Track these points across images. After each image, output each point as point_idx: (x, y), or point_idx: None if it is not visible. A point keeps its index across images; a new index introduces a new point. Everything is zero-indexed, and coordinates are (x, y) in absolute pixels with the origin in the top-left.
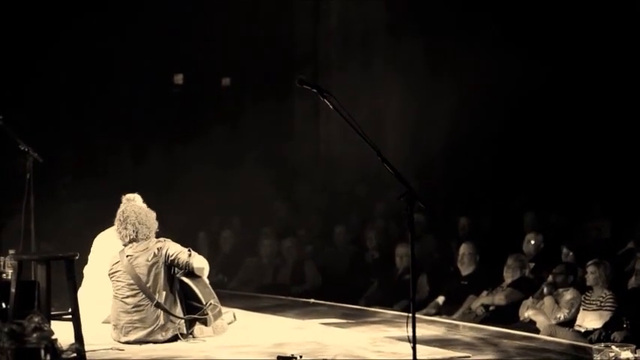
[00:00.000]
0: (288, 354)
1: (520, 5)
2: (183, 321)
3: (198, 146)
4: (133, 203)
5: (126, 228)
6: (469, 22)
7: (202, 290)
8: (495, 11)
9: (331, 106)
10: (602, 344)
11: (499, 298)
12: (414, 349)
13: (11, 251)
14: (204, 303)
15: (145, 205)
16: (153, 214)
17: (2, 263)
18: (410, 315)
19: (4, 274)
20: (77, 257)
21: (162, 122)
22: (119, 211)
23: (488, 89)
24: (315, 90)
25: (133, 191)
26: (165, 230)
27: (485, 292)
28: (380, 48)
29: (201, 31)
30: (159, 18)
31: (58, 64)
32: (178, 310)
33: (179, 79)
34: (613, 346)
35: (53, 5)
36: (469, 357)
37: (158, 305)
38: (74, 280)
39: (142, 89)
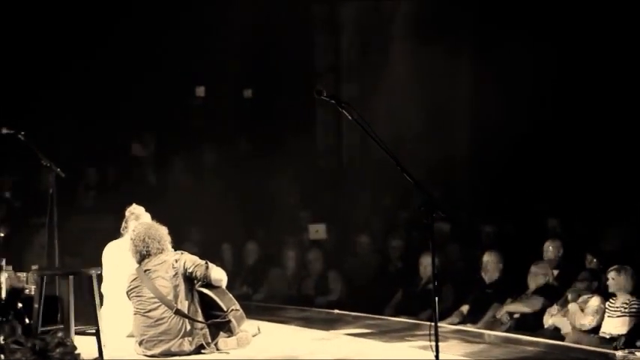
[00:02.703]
0: None
1: (551, 6)
2: (207, 331)
3: (221, 158)
4: (142, 220)
5: (136, 245)
6: (489, 29)
7: (222, 298)
8: (524, 16)
9: (350, 117)
10: (627, 350)
11: (523, 306)
12: (437, 358)
13: (34, 267)
14: (226, 310)
15: (149, 219)
16: (164, 229)
17: (25, 279)
18: (434, 324)
19: (28, 290)
20: (100, 272)
21: (184, 135)
22: (131, 230)
23: (510, 96)
24: (333, 101)
25: (156, 205)
26: (189, 242)
27: (509, 300)
28: (399, 56)
29: (222, 43)
30: (180, 31)
31: (80, 78)
32: (200, 319)
33: (201, 91)
34: (637, 353)
35: (75, 20)
36: None
37: (178, 312)
38: (97, 294)
39: (163, 102)
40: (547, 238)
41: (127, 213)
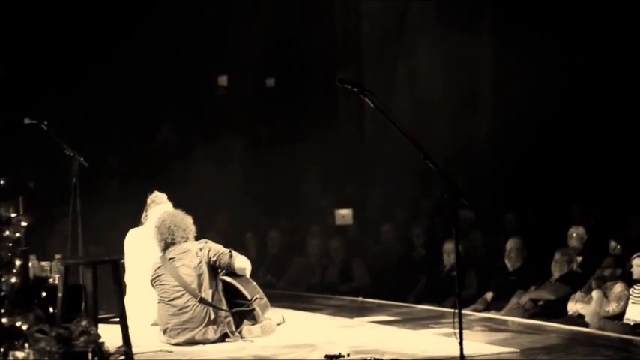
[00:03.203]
0: (336, 352)
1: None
2: (231, 320)
3: (243, 147)
4: (163, 208)
5: (162, 233)
6: (512, 10)
7: (246, 286)
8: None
9: (372, 105)
10: None
11: (547, 293)
12: (461, 344)
13: (58, 256)
14: (250, 298)
15: (170, 207)
16: (189, 218)
17: (49, 268)
18: (457, 311)
19: (51, 279)
20: (123, 260)
21: (207, 123)
22: (153, 218)
23: (532, 84)
24: (355, 89)
25: (180, 194)
26: (212, 231)
27: (533, 287)
28: (421, 43)
29: (244, 32)
30: (203, 19)
31: (103, 67)
32: (224, 308)
33: (223, 80)
34: None
35: (99, 9)
36: (517, 352)
37: (202, 300)
38: (121, 283)
39: (187, 91)
40: (571, 225)
41: (148, 201)
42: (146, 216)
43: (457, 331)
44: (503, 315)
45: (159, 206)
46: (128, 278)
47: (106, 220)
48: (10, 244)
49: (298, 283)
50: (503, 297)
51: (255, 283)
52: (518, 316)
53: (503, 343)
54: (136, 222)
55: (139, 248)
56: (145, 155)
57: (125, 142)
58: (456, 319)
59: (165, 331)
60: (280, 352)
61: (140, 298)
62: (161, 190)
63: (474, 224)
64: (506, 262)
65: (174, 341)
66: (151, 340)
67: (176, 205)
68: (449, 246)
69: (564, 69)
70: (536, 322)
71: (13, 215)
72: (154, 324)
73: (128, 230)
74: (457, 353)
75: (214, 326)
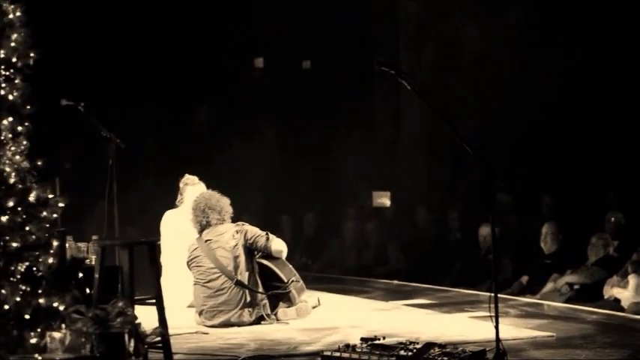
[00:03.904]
0: (372, 335)
1: None
2: (267, 302)
3: (280, 129)
4: (196, 189)
5: (197, 215)
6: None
7: (282, 269)
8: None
9: (409, 87)
10: None
11: (583, 277)
12: (497, 328)
13: (94, 237)
14: (286, 281)
15: (203, 188)
16: (225, 200)
17: (86, 249)
18: (493, 295)
19: (88, 260)
20: (159, 242)
21: (243, 106)
22: (189, 200)
23: (569, 66)
24: (392, 71)
25: (216, 176)
26: (248, 213)
27: (569, 271)
28: (457, 24)
29: (280, 14)
30: (239, 1)
31: (140, 49)
32: (260, 290)
33: (259, 62)
34: None
35: None
36: (553, 336)
37: (238, 283)
38: (157, 264)
39: (223, 73)
40: (608, 210)
41: (180, 184)
42: (181, 199)
43: (493, 314)
44: (539, 299)
45: (193, 188)
46: (164, 260)
47: (142, 201)
48: (48, 225)
49: (333, 266)
50: (538, 281)
51: (291, 266)
52: (553, 301)
53: (538, 328)
54: (172, 204)
55: (175, 230)
56: (182, 137)
57: (161, 124)
58: (492, 303)
59: (200, 313)
60: (315, 334)
61: (176, 280)
62: (197, 173)
63: (510, 208)
64: (542, 246)
65: (209, 323)
66: (186, 322)
67: (211, 187)
68: (485, 230)
69: (600, 50)
70: (572, 307)
71: (50, 196)
72: (190, 306)
73: (163, 212)
74: (493, 337)
75: (250, 309)
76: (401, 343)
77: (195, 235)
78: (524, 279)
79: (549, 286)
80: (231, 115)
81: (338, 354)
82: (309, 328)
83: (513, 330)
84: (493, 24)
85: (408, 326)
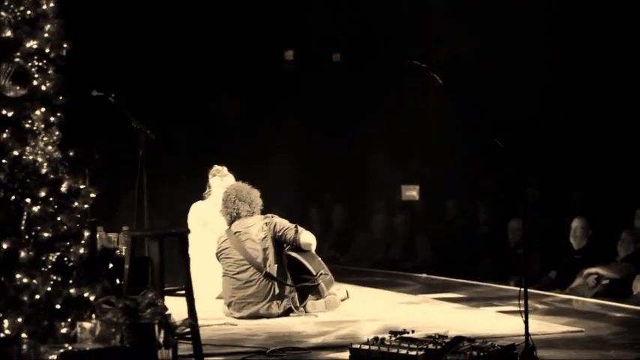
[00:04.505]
0: (400, 328)
1: None
2: (295, 295)
3: (309, 122)
4: (226, 180)
5: (227, 207)
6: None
7: (311, 262)
8: None
9: (440, 81)
10: None
11: (612, 272)
12: (526, 323)
13: (125, 228)
14: (315, 274)
15: (232, 179)
16: (255, 192)
17: (116, 240)
18: (522, 289)
19: (119, 251)
20: (190, 233)
21: (272, 98)
22: (217, 191)
23: (601, 61)
24: (424, 65)
25: (244, 168)
26: (277, 206)
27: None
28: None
29: (311, 6)
30: None
31: (170, 40)
32: (289, 283)
33: (290, 55)
34: None
35: None
36: (582, 331)
37: (268, 275)
38: (187, 255)
39: (253, 65)
40: (638, 205)
41: (209, 175)
42: (209, 191)
43: (522, 309)
44: (568, 294)
45: (221, 179)
46: (191, 251)
47: (171, 192)
48: (79, 216)
49: (362, 259)
50: (567, 276)
51: (320, 259)
52: (582, 296)
53: (567, 323)
54: (200, 195)
55: (203, 222)
56: (211, 129)
57: (191, 116)
58: (522, 298)
59: (229, 305)
60: (343, 327)
61: (203, 272)
62: (226, 165)
63: (539, 202)
64: (572, 241)
65: (238, 315)
66: (215, 313)
67: (240, 179)
68: (514, 224)
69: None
70: (601, 302)
71: (81, 187)
72: (218, 297)
73: (191, 203)
74: (522, 331)
75: (279, 301)
76: (430, 337)
77: (222, 227)
78: (553, 274)
79: (578, 281)
80: (261, 108)
81: (367, 347)
82: (337, 321)
83: (542, 325)
84: (520, 16)
85: (436, 320)
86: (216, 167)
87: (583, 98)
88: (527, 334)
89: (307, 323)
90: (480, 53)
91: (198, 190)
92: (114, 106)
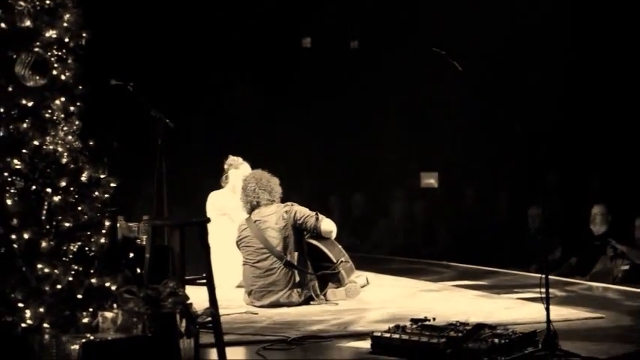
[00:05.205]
0: (421, 316)
1: None
2: (316, 283)
3: (327, 109)
4: (242, 170)
5: (247, 195)
6: None
7: (331, 249)
8: None
9: (459, 68)
10: None
11: (634, 255)
12: (547, 310)
13: (145, 217)
14: (335, 261)
15: (248, 168)
16: (275, 180)
17: (137, 229)
18: (543, 276)
19: (139, 240)
20: (210, 222)
21: (290, 86)
22: (235, 180)
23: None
24: (444, 52)
25: (263, 156)
26: (296, 193)
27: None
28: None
29: None
30: None
31: (187, 29)
32: (309, 271)
33: (307, 42)
34: None
35: None
36: (603, 317)
37: (288, 264)
38: (207, 244)
39: (270, 53)
40: None
41: (225, 166)
42: (226, 178)
43: (543, 296)
44: (588, 280)
45: (237, 169)
46: (211, 240)
47: (190, 181)
48: (99, 205)
49: (381, 246)
50: (587, 262)
51: (340, 247)
52: (603, 282)
53: (588, 309)
54: (217, 184)
55: (220, 210)
56: (229, 117)
57: (209, 104)
58: (543, 284)
59: (250, 294)
60: (364, 315)
61: (222, 260)
62: (244, 153)
63: (559, 189)
64: (592, 227)
65: (258, 303)
66: (236, 302)
67: (258, 167)
68: (534, 211)
69: None
70: (621, 288)
71: (101, 176)
72: (238, 286)
73: (209, 192)
74: (543, 318)
75: (299, 289)
76: (451, 324)
77: (239, 216)
78: (574, 260)
79: (598, 267)
80: (278, 95)
81: (388, 335)
82: (358, 309)
83: (563, 311)
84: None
85: (457, 307)
86: (231, 158)
87: (602, 84)
88: (548, 320)
89: (328, 311)
90: (499, 38)
91: (216, 179)
92: (132, 94)
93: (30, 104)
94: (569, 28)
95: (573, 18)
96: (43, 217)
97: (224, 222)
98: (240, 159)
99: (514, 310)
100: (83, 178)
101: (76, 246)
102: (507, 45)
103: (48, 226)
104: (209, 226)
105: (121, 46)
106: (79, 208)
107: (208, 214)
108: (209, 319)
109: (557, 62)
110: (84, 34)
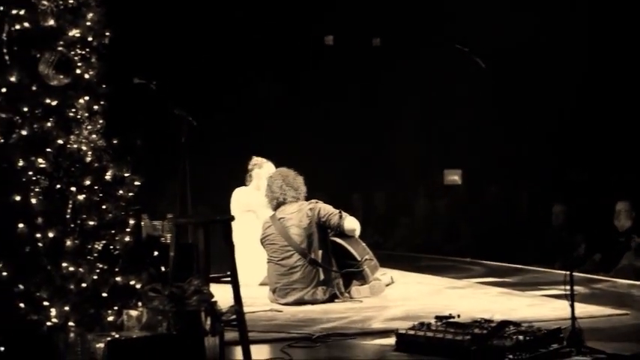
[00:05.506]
0: (446, 313)
1: None
2: (340, 281)
3: (350, 106)
4: (265, 169)
5: (273, 192)
6: None
7: (356, 247)
8: None
9: (483, 65)
10: None
11: None
12: (572, 307)
13: (169, 215)
14: (360, 259)
15: (272, 167)
16: (300, 178)
17: (161, 227)
18: (567, 273)
19: (163, 238)
20: (234, 220)
21: (313, 83)
22: (260, 178)
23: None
24: (467, 49)
25: (286, 154)
26: (320, 191)
27: None
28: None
29: None
30: None
31: (209, 26)
32: (334, 269)
33: (329, 40)
34: None
35: None
36: (628, 314)
37: (312, 261)
38: (232, 242)
39: (293, 51)
40: None
41: (249, 166)
42: (250, 177)
43: (568, 292)
44: (613, 277)
45: (261, 168)
46: (235, 237)
47: (213, 178)
48: (124, 204)
49: (405, 244)
50: (612, 259)
51: (364, 244)
52: (627, 278)
53: (613, 305)
54: (241, 182)
55: (245, 207)
56: (251, 115)
57: (231, 102)
58: (567, 281)
59: (274, 291)
60: (389, 312)
61: (246, 257)
62: (267, 151)
63: (583, 185)
64: (616, 223)
65: (283, 301)
66: (260, 299)
67: (281, 165)
68: (558, 207)
69: None
70: None
71: (126, 175)
72: (262, 283)
73: (232, 188)
74: (567, 315)
75: (324, 287)
76: (476, 321)
77: (265, 213)
78: (598, 257)
79: (623, 263)
80: (301, 93)
81: (413, 332)
82: (382, 306)
83: (588, 308)
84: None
85: (481, 304)
86: (255, 158)
87: (627, 80)
88: (573, 317)
89: (352, 309)
90: (524, 36)
91: (239, 176)
92: (155, 93)
93: (54, 103)
94: (593, 23)
95: (596, 12)
96: (68, 216)
97: (248, 219)
98: (263, 159)
99: (538, 307)
100: (107, 177)
101: (101, 244)
102: (531, 41)
103: (72, 225)
104: (233, 223)
105: (144, 44)
106: (104, 207)
107: (233, 211)
108: (234, 316)
109: (581, 57)
110: (107, 33)
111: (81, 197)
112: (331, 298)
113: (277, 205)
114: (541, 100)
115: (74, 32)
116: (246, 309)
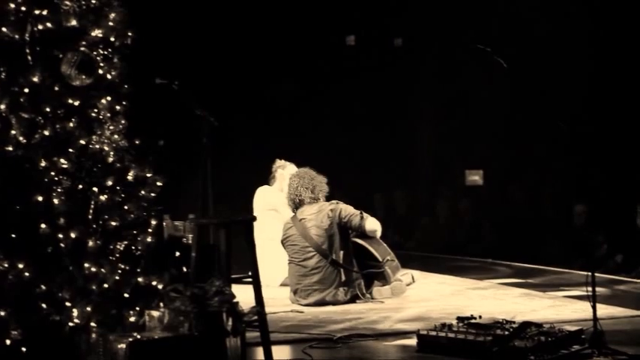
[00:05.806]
0: (467, 314)
1: None
2: (362, 281)
3: (371, 106)
4: (288, 170)
5: (290, 193)
6: None
7: (377, 248)
8: None
9: (504, 65)
10: None
11: None
12: (594, 308)
13: (191, 215)
14: (381, 260)
15: (294, 168)
16: (320, 178)
17: (183, 228)
18: (589, 274)
19: (185, 239)
20: (256, 220)
21: (334, 83)
22: (283, 178)
23: None
24: (489, 49)
25: (307, 154)
26: (340, 191)
27: None
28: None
29: None
30: None
31: (230, 26)
32: (355, 270)
33: (351, 40)
34: None
35: None
36: None
37: (333, 262)
38: (253, 242)
39: (314, 51)
40: None
41: (273, 168)
42: (274, 178)
43: (590, 293)
44: (635, 278)
45: (284, 170)
46: (256, 236)
47: (235, 179)
48: (146, 204)
49: (426, 244)
50: (634, 259)
51: (385, 245)
52: None
53: (635, 306)
54: (264, 182)
55: (267, 206)
56: (273, 115)
57: (253, 103)
58: (589, 282)
59: (295, 292)
60: (410, 313)
61: (268, 257)
62: (288, 151)
63: (604, 185)
64: (638, 223)
65: (304, 302)
66: (281, 300)
67: (304, 166)
68: (579, 207)
69: None
70: None
71: (148, 175)
72: (283, 284)
73: (253, 188)
74: (589, 316)
75: (345, 288)
76: (497, 322)
77: (287, 213)
78: (619, 257)
79: None
80: (322, 93)
81: (435, 333)
82: (403, 307)
83: (609, 309)
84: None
85: (503, 305)
86: (278, 161)
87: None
88: (595, 318)
89: (374, 309)
90: (545, 34)
91: (261, 176)
92: (177, 93)
93: (76, 103)
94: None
95: (618, 11)
96: (90, 217)
97: (271, 217)
98: (284, 162)
99: (560, 308)
100: (129, 177)
101: (123, 245)
102: (551, 42)
103: (95, 225)
104: (255, 222)
105: (166, 45)
106: (126, 207)
107: (255, 209)
108: (255, 317)
109: (603, 57)
110: (129, 33)
111: (103, 198)
112: (352, 299)
113: (295, 206)
114: (562, 99)
115: (96, 32)
116: (267, 310)
